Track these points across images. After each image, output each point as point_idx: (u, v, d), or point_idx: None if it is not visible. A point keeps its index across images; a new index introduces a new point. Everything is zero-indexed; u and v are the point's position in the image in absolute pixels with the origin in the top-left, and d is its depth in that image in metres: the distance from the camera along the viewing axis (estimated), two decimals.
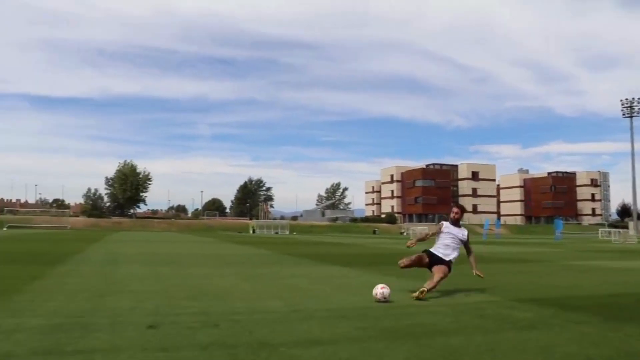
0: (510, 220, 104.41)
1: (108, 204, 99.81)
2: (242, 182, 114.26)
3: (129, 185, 78.24)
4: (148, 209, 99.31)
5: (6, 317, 4.88)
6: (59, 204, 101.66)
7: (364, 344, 4.07)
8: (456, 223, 7.10)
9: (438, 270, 6.68)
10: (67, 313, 5.17)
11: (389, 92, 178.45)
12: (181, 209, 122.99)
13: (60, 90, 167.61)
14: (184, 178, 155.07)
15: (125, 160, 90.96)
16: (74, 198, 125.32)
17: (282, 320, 5.05)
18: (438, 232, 7.11)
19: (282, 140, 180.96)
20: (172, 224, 76.57)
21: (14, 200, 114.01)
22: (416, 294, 6.39)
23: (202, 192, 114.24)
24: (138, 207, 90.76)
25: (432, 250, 6.96)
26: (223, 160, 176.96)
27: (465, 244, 7.06)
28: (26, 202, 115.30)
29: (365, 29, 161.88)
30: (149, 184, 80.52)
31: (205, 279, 8.76)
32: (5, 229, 52.78)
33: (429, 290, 6.46)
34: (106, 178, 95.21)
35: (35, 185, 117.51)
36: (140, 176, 79.60)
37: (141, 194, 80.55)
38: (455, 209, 7.11)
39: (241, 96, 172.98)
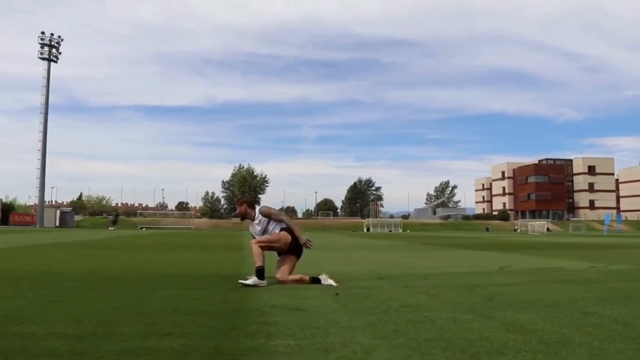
0: (632, 216, 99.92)
1: (225, 206, 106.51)
2: (347, 183, 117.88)
3: (247, 188, 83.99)
4: None
5: None
6: (184, 206, 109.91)
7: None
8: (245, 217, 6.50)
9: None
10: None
11: (494, 86, 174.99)
12: (291, 210, 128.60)
13: (171, 99, 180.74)
14: (290, 180, 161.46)
15: (240, 164, 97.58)
16: (190, 201, 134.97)
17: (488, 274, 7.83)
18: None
19: (387, 139, 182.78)
20: None
21: (136, 205, 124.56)
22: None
23: (316, 192, 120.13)
24: None
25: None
26: (328, 161, 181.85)
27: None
28: (147, 206, 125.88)
29: (468, 22, 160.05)
30: (266, 186, 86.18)
31: (394, 258, 11.74)
32: (143, 229, 59.00)
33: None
34: (223, 181, 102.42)
35: (162, 189, 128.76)
36: (258, 179, 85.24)
37: (258, 196, 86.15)
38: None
39: (344, 97, 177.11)
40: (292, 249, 6.27)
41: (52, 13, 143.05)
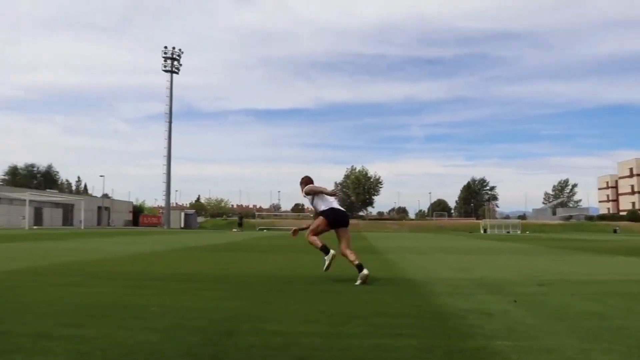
0: None
1: None
2: (457, 182, 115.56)
3: (362, 189, 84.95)
4: (369, 212, 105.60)
5: None
6: (299, 207, 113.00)
7: None
8: None
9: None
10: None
11: (615, 75, 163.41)
12: (401, 210, 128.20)
13: (279, 103, 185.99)
14: (398, 180, 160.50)
15: (352, 166, 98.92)
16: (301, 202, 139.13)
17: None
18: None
19: (498, 137, 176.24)
20: (403, 224, 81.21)
21: (250, 206, 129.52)
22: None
23: (430, 193, 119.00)
24: (366, 209, 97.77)
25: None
26: (436, 160, 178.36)
27: None
28: (261, 207, 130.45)
29: (583, 8, 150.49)
30: (380, 187, 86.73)
31: (537, 263, 11.81)
32: (265, 230, 61.38)
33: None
34: (335, 183, 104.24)
35: (278, 191, 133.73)
36: (371, 180, 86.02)
37: (372, 197, 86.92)
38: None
39: (452, 95, 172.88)
40: (335, 223, 7.17)
41: (165, 25, 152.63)
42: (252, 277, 7.93)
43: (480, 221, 75.62)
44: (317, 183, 7.55)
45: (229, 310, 4.84)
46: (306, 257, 12.26)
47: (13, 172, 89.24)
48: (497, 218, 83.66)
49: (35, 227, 45.49)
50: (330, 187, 7.67)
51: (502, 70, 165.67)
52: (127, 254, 12.92)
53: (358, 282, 6.83)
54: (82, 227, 50.06)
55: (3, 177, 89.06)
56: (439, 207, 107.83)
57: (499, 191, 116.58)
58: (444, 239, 31.85)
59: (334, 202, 7.23)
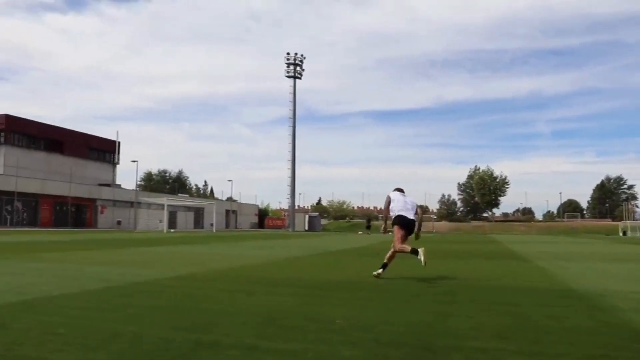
0: None
1: (462, 209, 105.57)
2: (587, 180, 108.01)
3: (487, 190, 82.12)
4: (493, 213, 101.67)
5: None
6: (424, 208, 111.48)
7: None
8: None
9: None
10: None
11: None
12: (527, 211, 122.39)
13: (398, 103, 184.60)
14: (523, 179, 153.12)
15: (475, 165, 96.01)
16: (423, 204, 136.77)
17: None
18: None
19: (635, 130, 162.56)
20: (531, 226, 77.50)
21: (371, 208, 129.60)
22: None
23: (560, 193, 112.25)
24: (490, 210, 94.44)
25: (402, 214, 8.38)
26: (565, 157, 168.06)
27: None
28: (381, 209, 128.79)
29: None
30: (507, 188, 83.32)
31: None
32: (390, 232, 61.01)
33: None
34: (458, 184, 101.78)
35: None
36: (497, 180, 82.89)
37: (498, 198, 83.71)
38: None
39: (580, 87, 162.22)
40: (406, 231, 8.39)
41: (283, 32, 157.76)
42: (410, 285, 7.84)
43: (618, 223, 70.27)
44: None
45: (413, 324, 4.77)
46: (459, 263, 12.06)
47: (148, 177, 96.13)
48: (637, 220, 77.31)
49: (171, 230, 48.70)
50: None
51: (638, 57, 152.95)
52: (270, 259, 13.24)
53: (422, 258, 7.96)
54: (214, 230, 52.84)
55: (139, 182, 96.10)
56: (570, 207, 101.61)
57: (638, 190, 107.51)
58: (583, 243, 29.96)
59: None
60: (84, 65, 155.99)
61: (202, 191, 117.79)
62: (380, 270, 8.43)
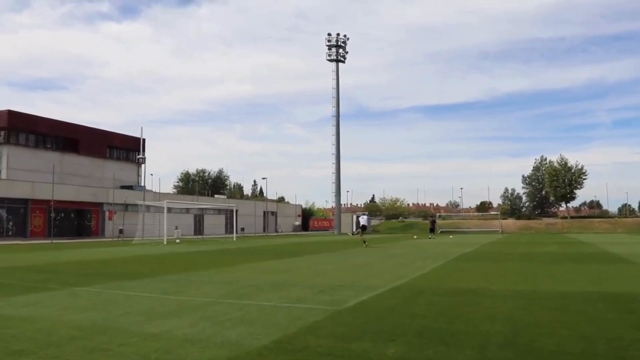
0: None
1: (527, 203, 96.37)
2: None
3: (561, 182, 72.08)
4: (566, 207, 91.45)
5: None
6: (487, 206, 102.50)
7: None
8: None
9: None
10: None
11: None
12: (595, 204, 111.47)
13: (450, 97, 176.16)
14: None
15: (542, 156, 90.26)
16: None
17: None
18: None
19: None
20: (617, 223, 67.28)
21: (427, 204, 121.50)
22: None
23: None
24: (561, 205, 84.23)
25: None
26: (628, 148, 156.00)
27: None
28: (437, 205, 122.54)
29: None
30: (584, 179, 72.90)
31: None
32: (451, 237, 48.87)
33: None
34: (523, 176, 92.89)
35: (461, 188, 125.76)
36: (573, 171, 72.60)
37: (574, 191, 73.33)
38: None
39: None
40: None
41: (330, 30, 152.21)
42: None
43: None
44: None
45: None
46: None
47: (186, 178, 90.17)
48: None
49: (177, 240, 39.14)
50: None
51: None
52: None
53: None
54: (234, 239, 43.23)
55: (176, 183, 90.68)
56: None
57: None
58: None
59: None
60: (137, 70, 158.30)
61: (252, 191, 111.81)
62: None
